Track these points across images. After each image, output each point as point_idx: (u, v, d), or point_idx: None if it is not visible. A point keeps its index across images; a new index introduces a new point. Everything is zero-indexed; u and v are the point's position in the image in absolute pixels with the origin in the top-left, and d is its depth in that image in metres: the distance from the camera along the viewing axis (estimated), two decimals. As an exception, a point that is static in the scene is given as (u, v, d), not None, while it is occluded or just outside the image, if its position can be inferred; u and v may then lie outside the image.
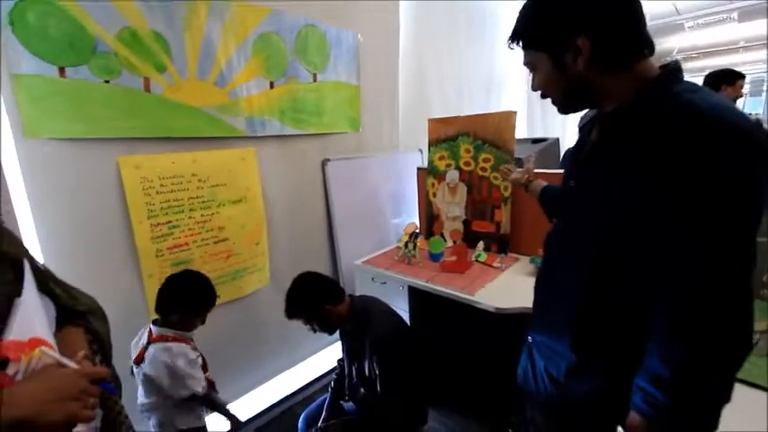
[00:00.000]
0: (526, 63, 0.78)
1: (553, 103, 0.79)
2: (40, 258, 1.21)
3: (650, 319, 0.65)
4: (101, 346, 0.71)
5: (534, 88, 0.80)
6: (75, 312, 0.69)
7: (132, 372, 1.27)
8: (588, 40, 0.66)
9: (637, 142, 0.64)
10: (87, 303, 0.73)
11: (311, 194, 2.06)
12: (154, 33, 1.36)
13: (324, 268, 2.17)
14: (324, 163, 2.07)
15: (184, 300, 1.27)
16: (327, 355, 2.21)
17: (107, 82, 1.29)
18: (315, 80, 1.92)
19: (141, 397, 1.27)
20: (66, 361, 0.55)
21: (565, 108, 0.79)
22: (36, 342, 0.54)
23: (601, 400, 0.77)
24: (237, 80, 1.61)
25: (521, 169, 1.44)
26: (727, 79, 2.63)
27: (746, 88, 7.32)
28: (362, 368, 1.42)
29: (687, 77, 0.68)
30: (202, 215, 1.60)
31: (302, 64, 1.85)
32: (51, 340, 0.57)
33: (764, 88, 4.96)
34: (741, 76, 2.70)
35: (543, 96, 0.80)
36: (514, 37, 0.76)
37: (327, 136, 2.07)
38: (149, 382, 1.23)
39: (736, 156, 0.55)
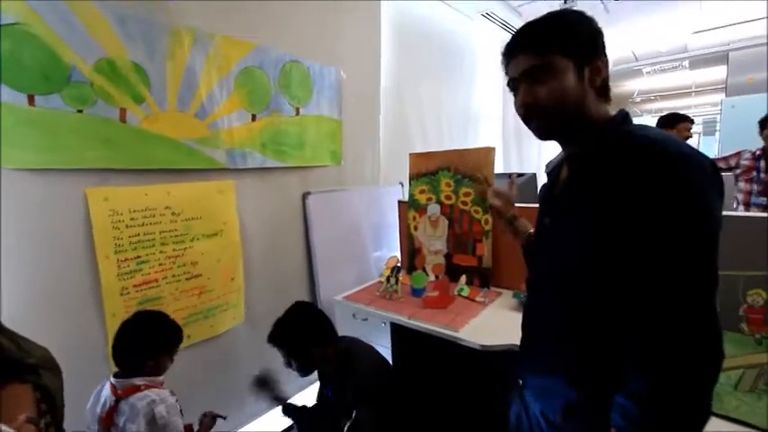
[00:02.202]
0: (538, 66, 0.70)
1: (540, 122, 0.74)
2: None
3: (630, 339, 0.65)
4: (51, 405, 0.62)
5: (532, 99, 0.72)
6: (24, 366, 0.61)
7: None
8: (603, 63, 0.71)
9: (604, 179, 0.67)
10: (39, 356, 0.65)
11: (291, 227, 2.02)
12: (133, 65, 1.33)
13: (302, 304, 2.09)
14: (305, 196, 2.03)
15: (149, 343, 1.16)
16: (309, 396, 2.09)
17: (80, 111, 1.24)
18: (297, 114, 1.93)
19: None
20: (3, 427, 0.47)
21: (552, 128, 0.75)
22: None
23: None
24: (219, 113, 1.59)
25: (501, 192, 1.06)
26: (668, 124, 2.73)
27: (700, 128, 7.91)
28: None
29: (647, 118, 0.73)
30: (174, 250, 1.52)
31: (285, 98, 1.86)
32: None
33: (717, 128, 5.40)
34: (683, 119, 2.76)
35: (530, 115, 0.74)
36: (537, 36, 0.71)
37: (309, 169, 2.06)
38: None
39: (698, 182, 0.60)
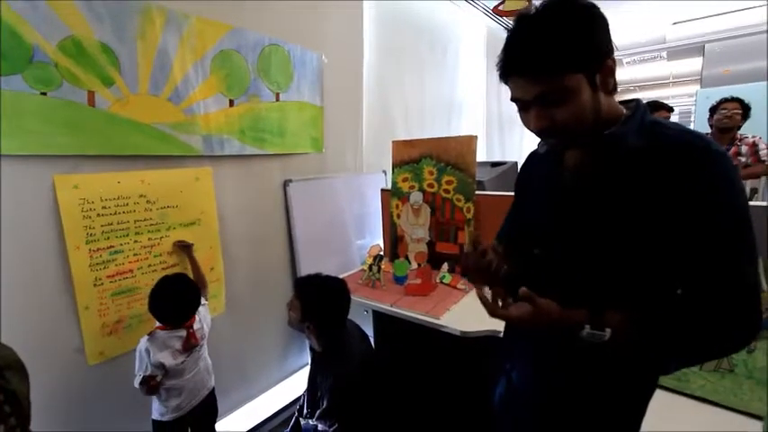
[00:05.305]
0: (550, 90, 0.63)
1: (558, 141, 0.70)
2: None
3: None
4: (16, 408, 0.60)
5: (548, 123, 0.65)
6: None
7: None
8: (612, 60, 0.65)
9: (643, 171, 0.65)
10: (2, 356, 0.62)
11: (272, 216, 1.98)
12: (101, 45, 1.26)
13: (285, 293, 2.07)
14: (285, 184, 2.00)
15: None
16: (286, 388, 2.09)
17: (44, 94, 1.17)
18: (277, 99, 1.88)
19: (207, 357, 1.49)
20: None
21: (571, 145, 0.72)
22: None
23: (592, 411, 0.76)
24: (194, 97, 1.53)
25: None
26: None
27: (676, 118, 8.11)
28: (318, 402, 1.37)
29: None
30: (150, 239, 1.47)
31: (265, 83, 1.81)
32: None
33: (692, 119, 5.54)
34: (661, 107, 2.77)
35: (546, 135, 0.69)
36: (544, 57, 0.61)
37: (289, 156, 2.02)
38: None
39: (730, 173, 0.62)
